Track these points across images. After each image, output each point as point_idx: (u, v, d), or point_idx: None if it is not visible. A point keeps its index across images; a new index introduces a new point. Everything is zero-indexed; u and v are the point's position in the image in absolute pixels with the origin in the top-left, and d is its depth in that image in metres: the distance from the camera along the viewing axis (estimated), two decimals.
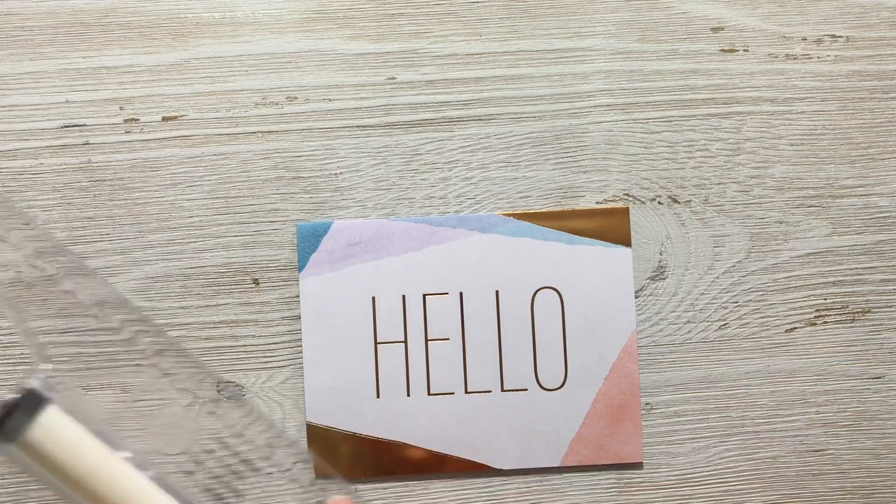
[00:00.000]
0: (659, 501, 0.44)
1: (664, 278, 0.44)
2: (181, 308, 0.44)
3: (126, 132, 0.43)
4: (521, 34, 0.44)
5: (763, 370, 0.44)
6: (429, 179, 0.44)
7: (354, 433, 0.43)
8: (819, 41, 0.44)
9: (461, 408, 0.43)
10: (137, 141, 0.43)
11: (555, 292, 0.44)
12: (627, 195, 0.45)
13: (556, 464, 0.43)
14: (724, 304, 0.44)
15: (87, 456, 0.35)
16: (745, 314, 0.44)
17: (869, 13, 0.44)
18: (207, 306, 0.44)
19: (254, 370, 0.44)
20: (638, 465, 0.44)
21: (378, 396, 0.43)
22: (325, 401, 0.43)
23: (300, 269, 0.43)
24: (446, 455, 0.43)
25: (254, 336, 0.44)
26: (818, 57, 0.44)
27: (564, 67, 0.44)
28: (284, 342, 0.44)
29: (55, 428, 0.35)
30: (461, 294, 0.43)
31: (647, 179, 0.45)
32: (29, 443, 0.32)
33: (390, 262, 0.43)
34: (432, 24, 0.44)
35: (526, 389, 0.43)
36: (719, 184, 0.44)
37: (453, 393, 0.43)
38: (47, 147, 0.43)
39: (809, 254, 0.45)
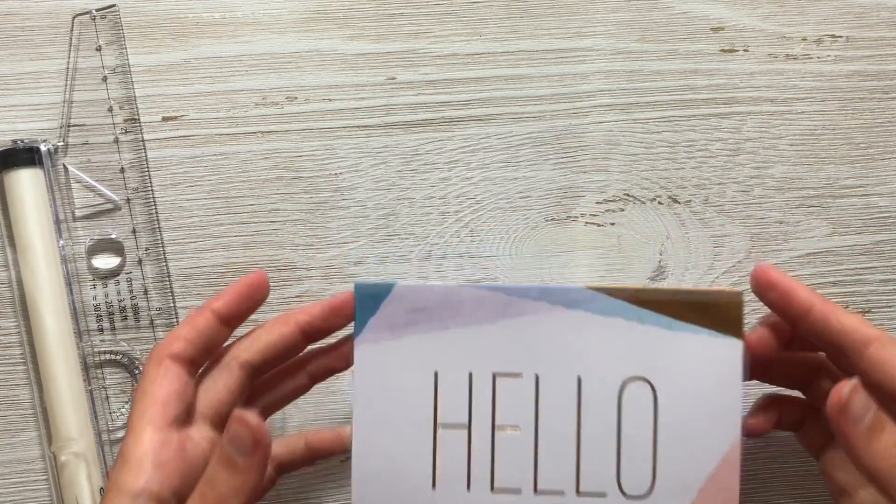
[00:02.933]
0: None
1: (664, 279, 0.44)
2: (181, 308, 0.44)
3: (126, 132, 0.43)
4: (521, 34, 0.44)
5: None
6: (429, 179, 0.44)
7: None
8: (819, 41, 0.44)
9: None
10: (137, 141, 0.43)
11: (648, 385, 0.37)
12: (627, 195, 0.45)
13: None
14: None
15: (31, 222, 0.41)
16: (744, 314, 0.44)
17: (869, 13, 0.44)
18: None
19: None
20: None
21: (434, 488, 0.37)
22: (374, 487, 0.37)
23: (356, 334, 0.37)
24: None
25: None
26: (818, 57, 0.44)
27: (564, 67, 0.44)
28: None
29: (26, 185, 0.41)
30: (537, 377, 0.37)
31: (647, 179, 0.45)
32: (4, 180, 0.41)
33: (458, 333, 0.37)
34: (432, 24, 0.44)
35: (604, 495, 0.37)
36: (719, 184, 0.44)
37: (520, 491, 0.37)
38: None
39: (809, 254, 0.45)
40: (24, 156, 0.42)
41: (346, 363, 0.39)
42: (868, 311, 0.45)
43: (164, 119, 0.44)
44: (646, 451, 0.37)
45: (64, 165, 0.43)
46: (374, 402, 0.38)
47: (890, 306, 0.45)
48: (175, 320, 0.44)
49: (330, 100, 0.44)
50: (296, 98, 0.44)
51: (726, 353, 0.36)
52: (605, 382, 0.37)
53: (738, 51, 0.44)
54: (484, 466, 0.37)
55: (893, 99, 0.45)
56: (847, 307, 0.45)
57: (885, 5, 0.44)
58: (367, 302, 0.38)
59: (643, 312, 0.37)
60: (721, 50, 0.44)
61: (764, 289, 0.36)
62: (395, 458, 0.37)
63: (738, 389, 0.36)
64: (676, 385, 0.37)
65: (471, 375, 0.37)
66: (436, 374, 0.37)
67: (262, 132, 0.44)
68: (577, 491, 0.37)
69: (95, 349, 0.43)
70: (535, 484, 0.37)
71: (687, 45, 0.44)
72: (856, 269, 0.45)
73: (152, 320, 0.44)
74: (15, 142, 0.42)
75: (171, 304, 0.44)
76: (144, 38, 0.43)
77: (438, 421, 0.37)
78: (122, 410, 0.44)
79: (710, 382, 0.36)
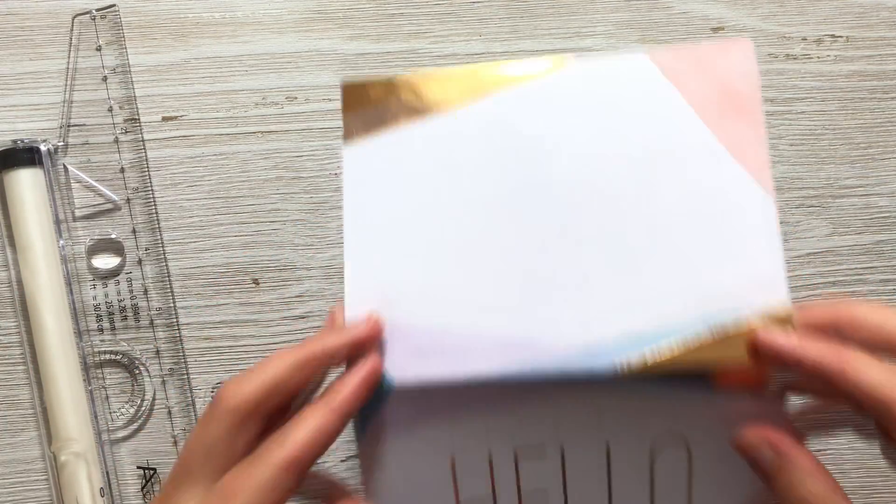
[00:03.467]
0: None
1: None
2: (181, 308, 0.44)
3: (126, 132, 0.43)
4: (521, 34, 0.44)
5: None
6: None
7: None
8: (819, 41, 0.44)
9: None
10: (137, 141, 0.43)
11: (683, 446, 0.34)
12: None
13: None
14: None
15: (31, 222, 0.41)
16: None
17: (869, 13, 0.44)
18: (207, 306, 0.44)
19: None
20: None
21: None
22: None
23: (359, 435, 0.35)
24: None
25: (254, 336, 0.44)
26: (818, 57, 0.44)
27: None
28: (284, 342, 0.44)
29: (26, 185, 0.41)
30: (562, 448, 0.34)
31: None
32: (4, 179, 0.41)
33: (472, 421, 0.34)
34: (432, 24, 0.44)
35: None
36: None
37: None
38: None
39: (809, 254, 0.45)
40: (24, 156, 0.42)
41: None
42: None
43: (164, 119, 0.44)
44: None
45: (64, 165, 0.43)
46: (390, 496, 0.34)
47: (890, 306, 0.45)
48: (175, 320, 0.44)
49: (330, 100, 0.44)
50: (296, 98, 0.44)
51: (764, 409, 0.33)
52: (636, 448, 0.34)
53: None
54: None
55: (893, 99, 0.45)
56: None
57: (885, 5, 0.44)
58: (367, 403, 0.33)
59: (675, 381, 0.33)
60: None
61: (771, 359, 0.31)
62: None
63: None
64: (708, 446, 0.33)
65: (490, 455, 0.34)
66: (452, 459, 0.34)
67: (262, 132, 0.44)
68: None
69: (95, 349, 0.43)
70: None
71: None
72: (856, 269, 0.45)
73: (152, 320, 0.44)
74: (15, 142, 0.42)
75: (171, 304, 0.44)
76: (144, 38, 0.43)
77: (461, 498, 0.34)
78: (122, 410, 0.44)
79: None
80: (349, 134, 0.35)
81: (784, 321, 0.31)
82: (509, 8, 0.44)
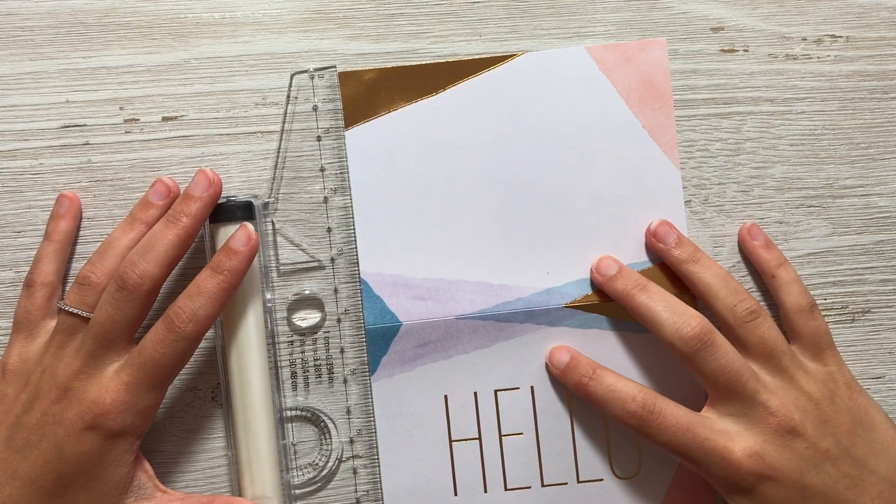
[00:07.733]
0: None
1: None
2: None
3: (126, 132, 0.43)
4: (521, 34, 0.44)
5: None
6: None
7: None
8: (819, 41, 0.44)
9: (539, 501, 0.43)
10: (137, 141, 0.43)
11: None
12: None
13: None
14: None
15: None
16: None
17: (869, 13, 0.44)
18: None
19: None
20: None
21: (456, 494, 0.43)
22: (404, 501, 0.43)
23: (371, 372, 0.43)
24: None
25: None
26: (818, 57, 0.44)
27: None
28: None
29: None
30: (532, 388, 0.43)
31: None
32: None
33: (460, 360, 0.43)
34: (432, 24, 0.44)
35: (601, 479, 0.43)
36: (719, 184, 0.44)
37: (530, 487, 0.43)
38: (47, 147, 0.43)
39: (809, 254, 0.45)
40: (238, 211, 0.41)
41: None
42: (868, 311, 0.45)
43: (164, 119, 0.44)
44: (630, 436, 0.43)
45: (272, 222, 0.43)
46: (395, 427, 0.43)
47: (890, 306, 0.45)
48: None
49: (330, 100, 0.44)
50: (295, 98, 0.44)
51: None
52: None
53: (738, 51, 0.44)
54: (496, 470, 0.43)
55: (893, 99, 0.45)
56: (847, 307, 0.45)
57: (885, 5, 0.44)
58: (378, 343, 0.43)
59: (615, 321, 0.43)
60: (721, 50, 0.44)
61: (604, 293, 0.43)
62: (419, 473, 0.43)
63: None
64: (648, 377, 0.43)
65: (476, 394, 0.43)
66: (445, 397, 0.43)
67: (262, 132, 0.44)
68: (578, 480, 0.43)
69: (286, 405, 0.43)
70: (541, 479, 0.43)
71: (687, 45, 0.44)
72: (856, 269, 0.45)
73: (346, 379, 0.43)
74: (228, 198, 0.41)
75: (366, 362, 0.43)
76: (144, 38, 0.43)
77: (452, 437, 0.43)
78: (307, 468, 0.43)
79: (673, 370, 0.43)
80: (350, 119, 0.43)
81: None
82: (509, 8, 0.44)
